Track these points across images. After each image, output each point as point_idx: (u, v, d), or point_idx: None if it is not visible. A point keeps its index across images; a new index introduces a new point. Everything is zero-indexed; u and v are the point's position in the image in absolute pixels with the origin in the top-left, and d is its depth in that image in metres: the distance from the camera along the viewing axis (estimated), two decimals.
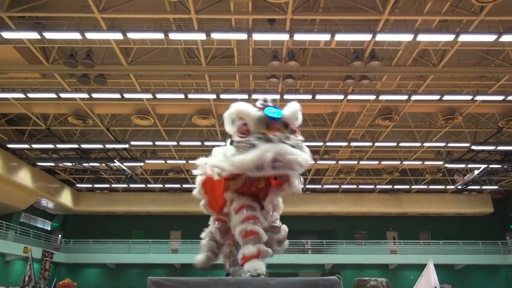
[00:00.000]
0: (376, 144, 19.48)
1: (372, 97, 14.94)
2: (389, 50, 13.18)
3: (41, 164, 21.69)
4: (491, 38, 11.19)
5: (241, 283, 2.63)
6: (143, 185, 26.13)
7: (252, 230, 2.96)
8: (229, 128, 3.24)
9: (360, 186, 26.72)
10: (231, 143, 3.11)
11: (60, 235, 29.06)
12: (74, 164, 21.19)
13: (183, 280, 2.75)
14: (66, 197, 26.76)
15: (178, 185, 26.35)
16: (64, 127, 18.75)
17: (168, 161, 22.12)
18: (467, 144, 18.95)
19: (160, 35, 11.27)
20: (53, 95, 14.47)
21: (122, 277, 27.29)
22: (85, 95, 14.68)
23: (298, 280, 2.74)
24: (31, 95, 14.59)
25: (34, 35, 11.12)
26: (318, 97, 14.59)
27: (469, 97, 14.84)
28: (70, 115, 16.78)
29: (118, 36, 11.23)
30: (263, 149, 2.75)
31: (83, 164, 21.09)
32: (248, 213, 3.05)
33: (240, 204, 3.12)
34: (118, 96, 14.52)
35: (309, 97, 14.61)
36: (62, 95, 14.56)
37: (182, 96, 14.55)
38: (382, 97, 14.93)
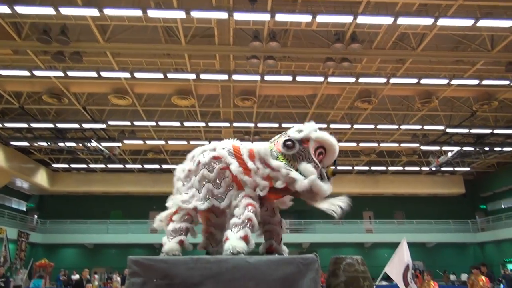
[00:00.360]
0: (355, 126, 19.76)
1: (352, 79, 15.06)
2: (370, 32, 13.26)
3: (15, 143, 21.10)
4: (468, 22, 11.37)
5: (220, 261, 2.68)
6: (122, 166, 25.80)
7: (248, 218, 3.02)
8: (298, 135, 3.25)
9: (338, 167, 27.09)
10: (287, 148, 3.20)
11: (36, 216, 28.60)
12: (49, 144, 20.70)
13: (162, 259, 2.79)
14: (41, 177, 26.22)
15: (157, 166, 26.16)
16: (39, 106, 18.21)
17: (147, 142, 21.87)
18: (442, 127, 19.45)
19: (138, 12, 10.95)
20: (26, 73, 13.94)
21: (101, 257, 27.21)
22: (60, 73, 14.21)
23: (276, 258, 2.81)
24: (2, 72, 14.03)
25: (5, 9, 10.59)
26: (298, 78, 14.60)
27: (445, 81, 15.15)
28: (45, 93, 16.28)
29: (94, 12, 10.82)
30: (328, 187, 3.20)
31: (59, 144, 20.61)
32: (248, 201, 3.11)
33: (245, 193, 3.17)
34: (94, 74, 14.10)
35: (290, 78, 14.61)
36: (36, 73, 14.02)
37: (161, 75, 14.29)
38: (361, 80, 15.07)
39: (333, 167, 3.31)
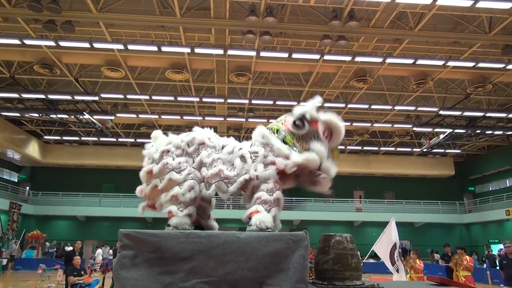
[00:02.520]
0: (349, 105, 19.75)
1: (348, 58, 14.94)
2: (368, 10, 13.06)
3: (6, 114, 20.83)
4: (468, 3, 11.23)
5: (211, 236, 2.70)
6: (114, 139, 25.68)
7: (278, 197, 3.06)
8: (307, 115, 3.10)
9: None
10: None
11: (27, 187, 28.58)
12: (41, 115, 20.47)
13: (154, 233, 2.80)
14: (33, 149, 26.04)
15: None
16: (30, 76, 17.88)
17: (140, 116, 21.70)
18: (436, 109, 19.52)
19: None
20: (17, 41, 13.58)
21: (92, 230, 27.45)
22: (52, 43, 13.87)
23: (266, 234, 2.83)
24: None
25: None
26: (294, 55, 14.43)
27: (441, 62, 15.10)
28: (36, 63, 15.96)
29: None
30: (334, 169, 3.23)
31: (51, 116, 20.40)
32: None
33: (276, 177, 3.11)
34: (87, 45, 13.81)
35: (286, 55, 14.44)
36: (27, 42, 13.68)
37: (155, 48, 14.02)
38: (357, 59, 14.95)
39: (340, 147, 3.24)
